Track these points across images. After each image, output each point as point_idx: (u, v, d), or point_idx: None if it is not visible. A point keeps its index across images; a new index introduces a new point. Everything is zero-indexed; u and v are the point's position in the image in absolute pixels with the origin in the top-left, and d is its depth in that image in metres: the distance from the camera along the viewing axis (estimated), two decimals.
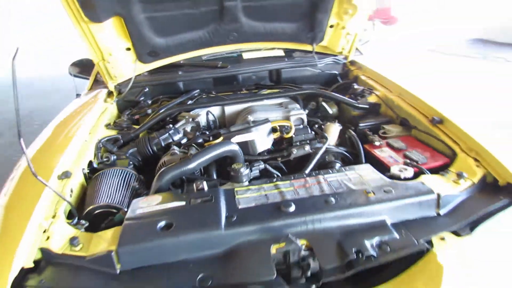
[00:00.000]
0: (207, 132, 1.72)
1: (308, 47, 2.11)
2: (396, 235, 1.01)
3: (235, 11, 1.77)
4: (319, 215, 1.04)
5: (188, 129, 1.73)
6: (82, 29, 1.66)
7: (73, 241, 1.04)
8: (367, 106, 1.82)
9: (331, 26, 2.04)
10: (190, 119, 1.76)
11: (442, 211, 1.12)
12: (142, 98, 2.04)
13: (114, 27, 1.71)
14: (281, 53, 2.22)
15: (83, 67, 2.36)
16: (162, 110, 1.83)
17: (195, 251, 0.99)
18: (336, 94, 1.91)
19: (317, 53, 2.17)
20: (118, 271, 0.97)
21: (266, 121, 1.60)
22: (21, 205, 1.16)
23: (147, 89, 2.06)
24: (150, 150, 1.61)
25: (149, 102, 2.04)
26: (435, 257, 0.97)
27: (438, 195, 1.13)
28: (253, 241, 1.01)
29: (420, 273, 0.96)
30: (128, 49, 1.84)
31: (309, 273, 0.96)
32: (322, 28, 2.01)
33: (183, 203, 1.12)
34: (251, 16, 1.85)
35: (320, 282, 0.94)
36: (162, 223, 1.04)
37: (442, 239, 1.02)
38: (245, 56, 2.21)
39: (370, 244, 0.98)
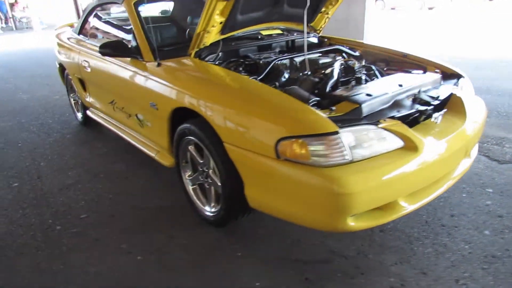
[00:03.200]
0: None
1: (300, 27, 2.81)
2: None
3: (283, 1, 2.49)
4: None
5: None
6: (211, 3, 2.03)
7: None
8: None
9: (321, 12, 2.84)
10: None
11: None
12: (217, 62, 2.34)
13: (226, 6, 2.10)
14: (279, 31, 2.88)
15: (114, 49, 2.45)
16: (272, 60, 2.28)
17: None
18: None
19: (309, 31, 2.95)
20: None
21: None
22: None
23: (220, 54, 2.38)
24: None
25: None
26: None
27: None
28: None
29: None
30: (220, 23, 2.20)
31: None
32: (317, 14, 2.85)
33: None
34: (289, 4, 2.55)
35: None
36: None
37: None
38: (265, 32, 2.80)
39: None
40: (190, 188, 2.28)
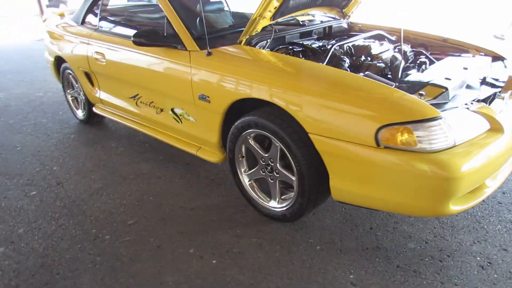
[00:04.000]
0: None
1: (334, 12, 2.87)
2: None
3: None
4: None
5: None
6: None
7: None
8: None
9: None
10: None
11: None
12: (267, 50, 2.24)
13: None
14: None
15: (150, 38, 2.26)
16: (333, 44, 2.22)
17: None
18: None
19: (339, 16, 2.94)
20: None
21: None
22: None
23: (268, 41, 2.28)
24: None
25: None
26: None
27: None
28: None
29: None
30: (275, 8, 2.12)
31: None
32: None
33: None
34: None
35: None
36: None
37: None
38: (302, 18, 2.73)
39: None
40: (246, 183, 2.18)
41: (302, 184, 1.83)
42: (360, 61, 2.11)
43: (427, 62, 2.10)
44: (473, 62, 2.07)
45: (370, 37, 2.53)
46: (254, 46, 2.20)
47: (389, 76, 1.94)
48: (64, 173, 2.79)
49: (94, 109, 3.41)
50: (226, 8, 3.06)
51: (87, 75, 3.23)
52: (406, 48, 2.33)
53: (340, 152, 1.64)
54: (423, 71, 1.97)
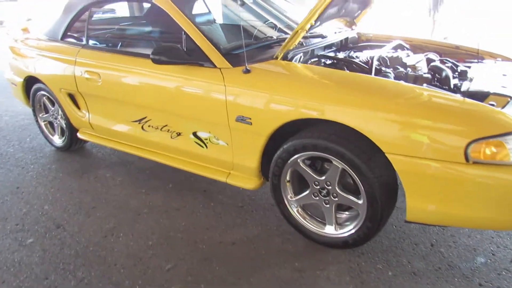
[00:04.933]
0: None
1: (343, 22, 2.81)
2: None
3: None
4: None
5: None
6: (320, 4, 1.88)
7: None
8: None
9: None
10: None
11: None
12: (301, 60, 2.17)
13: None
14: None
15: (171, 55, 2.01)
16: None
17: None
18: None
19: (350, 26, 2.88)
20: None
21: None
22: None
23: (302, 55, 2.18)
24: None
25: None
26: None
27: None
28: None
29: None
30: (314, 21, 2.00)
31: None
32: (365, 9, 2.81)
33: None
34: (354, 2, 2.51)
35: None
36: None
37: None
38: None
39: None
40: (294, 210, 2.00)
41: (373, 208, 1.70)
42: (403, 72, 2.05)
43: (467, 71, 2.10)
44: (508, 68, 2.10)
45: (391, 47, 2.50)
46: (290, 60, 2.05)
47: (444, 87, 1.89)
48: (60, 213, 2.39)
49: (78, 134, 3.00)
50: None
51: (72, 97, 2.84)
52: (435, 56, 2.32)
53: (423, 170, 1.54)
54: (471, 80, 1.95)
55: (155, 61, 2.02)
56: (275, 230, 2.11)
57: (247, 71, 1.92)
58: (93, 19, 2.71)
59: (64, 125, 3.09)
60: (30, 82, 3.15)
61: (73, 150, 3.25)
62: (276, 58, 2.02)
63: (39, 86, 3.07)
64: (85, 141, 3.09)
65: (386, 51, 2.34)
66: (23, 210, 2.44)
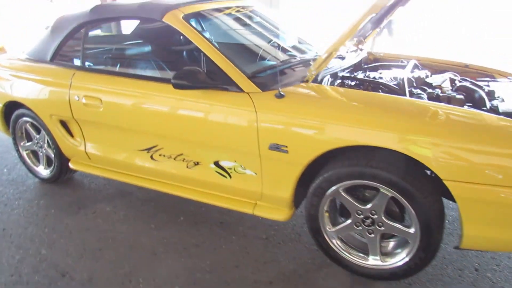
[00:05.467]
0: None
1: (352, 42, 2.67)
2: None
3: None
4: None
5: None
6: (364, 16, 1.77)
7: None
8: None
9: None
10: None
11: None
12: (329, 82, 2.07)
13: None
14: None
15: (190, 79, 1.85)
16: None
17: None
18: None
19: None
20: None
21: None
22: None
23: (329, 77, 2.10)
24: None
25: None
26: None
27: None
28: None
29: None
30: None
31: None
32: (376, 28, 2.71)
33: None
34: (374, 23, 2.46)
35: None
36: None
37: None
38: None
39: None
40: (333, 242, 1.87)
41: (428, 237, 1.61)
42: (434, 94, 2.00)
43: (494, 91, 2.09)
44: None
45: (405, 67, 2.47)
46: (320, 83, 1.95)
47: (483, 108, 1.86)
48: (62, 257, 2.11)
49: (71, 164, 2.71)
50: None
51: (64, 124, 2.56)
52: (455, 76, 2.30)
53: (485, 197, 1.47)
54: (502, 100, 1.94)
55: (177, 86, 1.84)
56: (310, 264, 1.97)
57: (281, 96, 1.79)
58: (89, 37, 2.47)
59: (52, 154, 2.79)
60: (10, 107, 2.83)
61: (61, 181, 2.94)
62: (307, 81, 1.90)
63: (22, 112, 2.76)
64: (74, 171, 2.81)
65: (409, 71, 2.29)
66: (16, 257, 2.14)
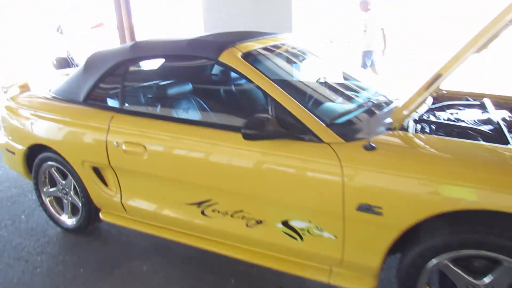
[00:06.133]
0: None
1: None
2: None
3: None
4: None
5: None
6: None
7: None
8: None
9: None
10: None
11: None
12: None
13: None
14: None
15: (262, 129, 1.62)
16: None
17: None
18: None
19: None
20: None
21: None
22: None
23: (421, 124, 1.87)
24: None
25: None
26: None
27: None
28: None
29: None
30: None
31: None
32: None
33: None
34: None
35: None
36: None
37: None
38: None
39: None
40: None
41: None
42: None
43: None
44: None
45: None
46: (406, 130, 1.70)
47: None
48: None
49: (101, 215, 2.42)
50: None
51: (96, 171, 2.29)
52: None
53: None
54: None
55: (248, 137, 1.59)
56: None
57: (371, 148, 1.52)
58: (129, 76, 2.23)
59: (79, 203, 2.49)
60: (34, 150, 2.55)
61: (86, 231, 2.63)
62: (394, 128, 1.65)
63: (48, 156, 2.48)
64: (101, 221, 2.50)
65: (498, 113, 2.03)
66: None
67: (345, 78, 2.33)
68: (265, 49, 2.08)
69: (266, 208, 1.79)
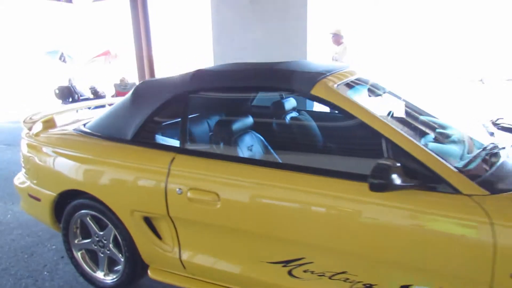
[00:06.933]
0: None
1: None
2: None
3: None
4: None
5: None
6: None
7: None
8: None
9: None
10: None
11: None
12: None
13: None
14: None
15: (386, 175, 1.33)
16: None
17: None
18: None
19: None
20: None
21: None
22: None
23: None
24: None
25: None
26: None
27: None
28: None
29: None
30: None
31: None
32: None
33: None
34: None
35: None
36: None
37: None
38: None
39: None
40: None
41: None
42: None
43: None
44: None
45: None
46: None
47: None
48: None
49: (150, 273, 2.05)
50: None
51: (147, 221, 1.94)
52: None
53: None
54: None
55: (375, 188, 1.29)
56: None
57: None
58: (193, 111, 1.92)
59: (121, 257, 2.12)
60: (65, 196, 2.19)
61: None
62: None
63: (83, 203, 2.12)
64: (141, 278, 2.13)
65: None
66: None
67: (428, 114, 2.08)
68: (351, 83, 1.81)
69: (379, 270, 1.48)
